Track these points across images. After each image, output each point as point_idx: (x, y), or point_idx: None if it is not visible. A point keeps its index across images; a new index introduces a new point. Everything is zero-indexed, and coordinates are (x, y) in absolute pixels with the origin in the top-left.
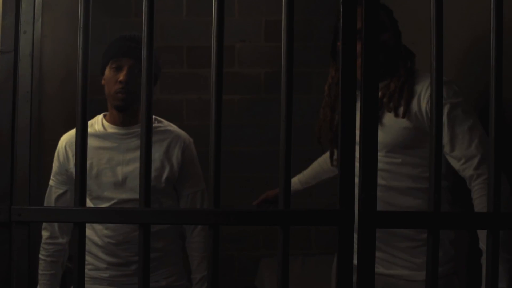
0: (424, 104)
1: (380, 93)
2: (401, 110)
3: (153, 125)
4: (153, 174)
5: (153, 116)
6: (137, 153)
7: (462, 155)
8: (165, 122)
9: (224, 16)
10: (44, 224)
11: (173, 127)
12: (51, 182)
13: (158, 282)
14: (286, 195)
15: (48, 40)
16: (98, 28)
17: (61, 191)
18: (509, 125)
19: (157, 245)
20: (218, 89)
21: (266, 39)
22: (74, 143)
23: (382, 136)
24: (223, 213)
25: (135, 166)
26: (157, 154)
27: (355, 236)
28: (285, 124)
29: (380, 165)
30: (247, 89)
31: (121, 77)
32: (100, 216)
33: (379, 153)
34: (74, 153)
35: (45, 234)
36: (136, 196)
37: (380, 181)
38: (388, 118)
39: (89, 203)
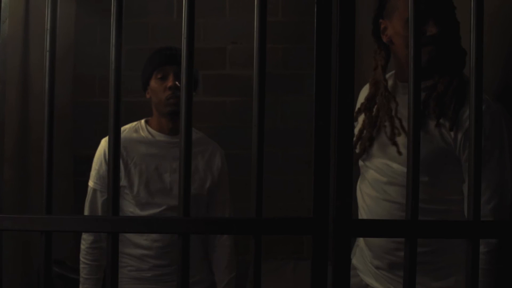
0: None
1: (423, 95)
2: (448, 120)
3: (193, 136)
4: (197, 183)
5: None
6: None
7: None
8: (200, 132)
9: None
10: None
11: (206, 137)
12: (94, 186)
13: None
14: (259, 203)
15: (36, 42)
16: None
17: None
18: None
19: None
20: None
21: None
22: (124, 147)
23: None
24: (194, 222)
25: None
26: (200, 164)
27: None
28: (257, 130)
29: (398, 179)
30: (239, 91)
31: (170, 83)
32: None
33: (394, 166)
34: (125, 159)
35: (88, 238)
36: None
37: (397, 198)
38: (432, 126)
39: (134, 209)
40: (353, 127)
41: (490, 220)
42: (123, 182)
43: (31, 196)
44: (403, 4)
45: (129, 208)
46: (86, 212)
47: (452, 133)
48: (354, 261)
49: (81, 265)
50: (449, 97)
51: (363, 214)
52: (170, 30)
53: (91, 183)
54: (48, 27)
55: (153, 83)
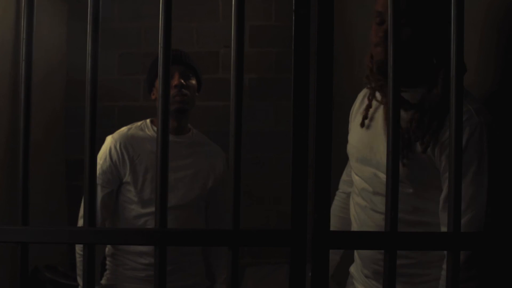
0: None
1: (409, 114)
2: (424, 142)
3: (197, 136)
4: (201, 181)
5: (189, 125)
6: (186, 161)
7: (446, 222)
8: (204, 136)
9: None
10: (82, 214)
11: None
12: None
13: (184, 281)
14: (236, 215)
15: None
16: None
17: (108, 190)
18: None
19: (183, 248)
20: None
21: (250, 45)
22: (131, 144)
23: None
24: (170, 233)
25: (184, 174)
26: (204, 164)
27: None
28: (234, 140)
29: (384, 189)
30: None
31: (175, 81)
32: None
33: (381, 175)
34: (131, 156)
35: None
36: (184, 202)
37: (382, 207)
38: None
39: (136, 207)
40: (331, 139)
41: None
42: (127, 178)
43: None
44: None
45: (131, 205)
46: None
47: (435, 152)
48: (352, 269)
49: (79, 258)
50: (428, 117)
51: (354, 224)
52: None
53: None
54: (24, 37)
55: (158, 83)
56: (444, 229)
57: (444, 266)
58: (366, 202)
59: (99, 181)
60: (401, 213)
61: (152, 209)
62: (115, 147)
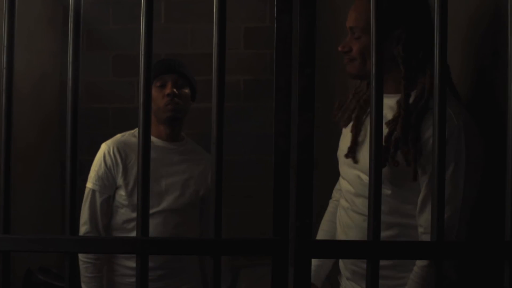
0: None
1: (396, 111)
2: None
3: (190, 144)
4: (192, 188)
5: (183, 134)
6: (178, 168)
7: (423, 223)
8: (196, 144)
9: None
10: (84, 220)
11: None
12: (93, 187)
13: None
14: (217, 223)
15: (18, 49)
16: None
17: (105, 196)
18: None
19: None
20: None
21: (245, 46)
22: (123, 149)
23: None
24: (152, 242)
25: (176, 179)
26: (195, 171)
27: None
28: (216, 148)
29: (365, 191)
30: (226, 96)
31: (168, 90)
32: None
33: (363, 176)
34: (124, 160)
35: (88, 233)
36: (175, 206)
37: (362, 209)
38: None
39: (126, 210)
40: (313, 147)
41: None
42: (119, 181)
43: (16, 206)
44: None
45: (122, 209)
46: (84, 214)
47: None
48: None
49: (83, 265)
50: (403, 128)
51: (337, 225)
52: (157, 35)
53: (89, 184)
54: (5, 44)
55: (153, 91)
56: (421, 230)
57: (418, 263)
58: (349, 204)
59: (96, 187)
60: None
61: (150, 211)
62: (109, 152)
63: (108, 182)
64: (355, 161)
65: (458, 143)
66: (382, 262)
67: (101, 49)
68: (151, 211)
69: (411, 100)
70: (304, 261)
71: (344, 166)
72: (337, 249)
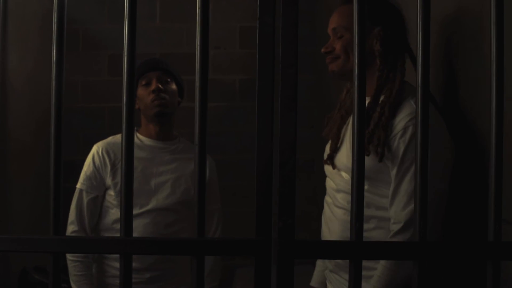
0: (401, 148)
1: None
2: (370, 148)
3: (182, 143)
4: (183, 187)
5: (176, 133)
6: (168, 167)
7: (393, 215)
8: (189, 142)
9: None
10: (71, 220)
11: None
12: (80, 186)
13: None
14: (200, 223)
15: (14, 49)
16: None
17: (93, 195)
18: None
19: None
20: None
21: (241, 46)
22: (112, 150)
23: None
24: (135, 242)
25: (166, 178)
26: (187, 169)
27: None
28: (198, 149)
29: (344, 186)
30: (222, 96)
31: (152, 87)
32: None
33: (343, 174)
34: (112, 160)
35: (72, 233)
36: (164, 205)
37: (343, 204)
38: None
39: (116, 211)
40: (295, 147)
41: (400, 229)
42: (108, 182)
43: (11, 204)
44: None
45: (112, 209)
46: (72, 213)
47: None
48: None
49: (71, 264)
50: (375, 122)
51: (322, 220)
52: (153, 35)
53: (78, 185)
54: None
55: (139, 91)
56: (391, 221)
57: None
58: (331, 199)
59: (83, 186)
60: None
61: (140, 210)
62: (98, 153)
63: (96, 182)
64: (334, 167)
65: None
66: None
67: (96, 48)
68: (140, 210)
69: (384, 96)
70: (286, 261)
71: (327, 164)
72: (320, 249)
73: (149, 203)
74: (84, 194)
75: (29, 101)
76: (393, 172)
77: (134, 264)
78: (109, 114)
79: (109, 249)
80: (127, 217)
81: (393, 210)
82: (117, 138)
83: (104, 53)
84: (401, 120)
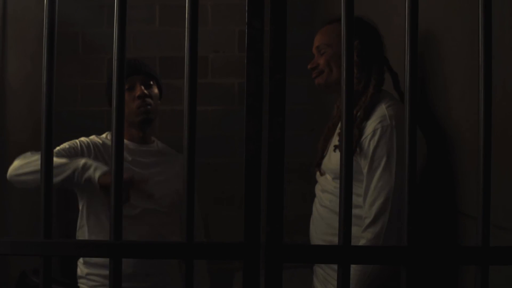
0: (371, 148)
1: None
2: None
3: (161, 146)
4: (173, 188)
5: (152, 137)
6: (154, 169)
7: (366, 210)
8: (163, 144)
9: (198, 26)
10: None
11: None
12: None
13: None
14: (189, 228)
15: (13, 48)
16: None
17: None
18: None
19: (154, 261)
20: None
21: (239, 49)
22: (98, 147)
23: (334, 159)
24: (124, 245)
25: (155, 180)
26: (172, 172)
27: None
28: (187, 152)
29: (328, 187)
30: (220, 100)
31: (138, 92)
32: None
33: (328, 176)
34: (95, 154)
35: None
36: (158, 207)
37: (326, 203)
38: None
39: (107, 213)
40: (283, 151)
41: (372, 225)
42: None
43: (11, 206)
44: None
45: (102, 213)
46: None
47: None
48: None
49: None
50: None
51: (310, 222)
52: (152, 38)
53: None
54: None
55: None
56: (363, 215)
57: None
58: (318, 199)
59: (60, 148)
60: (337, 208)
61: (133, 211)
62: (85, 142)
63: (67, 153)
64: (321, 173)
65: (390, 140)
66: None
67: (95, 52)
68: (134, 211)
69: (360, 100)
70: (274, 265)
71: (316, 167)
72: (308, 253)
73: (142, 205)
74: (58, 150)
75: (28, 103)
76: (365, 171)
77: (131, 272)
78: (109, 117)
79: (99, 253)
80: (116, 221)
81: (366, 207)
82: (104, 138)
83: (103, 57)
84: (372, 122)
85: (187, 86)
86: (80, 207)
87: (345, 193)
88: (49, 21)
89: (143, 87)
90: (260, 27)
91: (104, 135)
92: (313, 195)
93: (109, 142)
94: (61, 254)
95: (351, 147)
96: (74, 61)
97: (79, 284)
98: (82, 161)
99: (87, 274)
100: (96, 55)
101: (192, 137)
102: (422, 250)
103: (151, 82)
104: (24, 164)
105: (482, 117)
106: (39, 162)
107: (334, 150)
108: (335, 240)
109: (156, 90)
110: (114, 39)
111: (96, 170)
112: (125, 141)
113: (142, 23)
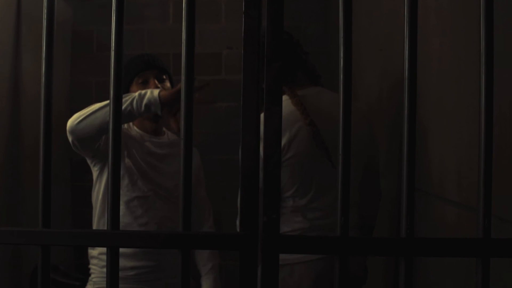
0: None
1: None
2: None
3: (172, 137)
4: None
5: (164, 129)
6: (165, 160)
7: None
8: (174, 135)
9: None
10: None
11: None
12: None
13: (165, 280)
14: (186, 217)
15: (28, 48)
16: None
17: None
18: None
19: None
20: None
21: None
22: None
23: None
24: (123, 235)
25: (166, 169)
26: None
27: None
28: (184, 143)
29: None
30: (234, 96)
31: (151, 86)
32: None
33: None
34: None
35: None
36: (167, 194)
37: None
38: None
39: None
40: (280, 141)
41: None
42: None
43: (24, 205)
44: None
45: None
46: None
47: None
48: None
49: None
50: None
51: None
52: (166, 35)
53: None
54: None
55: (134, 88)
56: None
57: None
58: None
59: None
60: None
61: (134, 194)
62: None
63: None
64: None
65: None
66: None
67: (109, 50)
68: (143, 194)
69: None
70: (271, 256)
71: None
72: (305, 244)
73: (149, 188)
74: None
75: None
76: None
77: (145, 262)
78: None
79: (97, 242)
80: (113, 211)
81: None
82: (124, 128)
83: (108, 55)
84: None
85: (184, 81)
86: (95, 194)
87: (343, 185)
88: (48, 18)
89: (156, 81)
90: (257, 16)
91: (125, 126)
92: None
93: (126, 131)
94: (60, 244)
95: (349, 144)
96: (89, 59)
97: (90, 266)
98: (135, 93)
99: (99, 253)
100: (110, 53)
101: (189, 127)
102: (422, 242)
103: (164, 77)
104: (84, 111)
105: (483, 102)
106: (101, 103)
107: None
108: None
109: (168, 84)
110: (112, 36)
111: (153, 91)
112: (140, 131)
113: (156, 21)
